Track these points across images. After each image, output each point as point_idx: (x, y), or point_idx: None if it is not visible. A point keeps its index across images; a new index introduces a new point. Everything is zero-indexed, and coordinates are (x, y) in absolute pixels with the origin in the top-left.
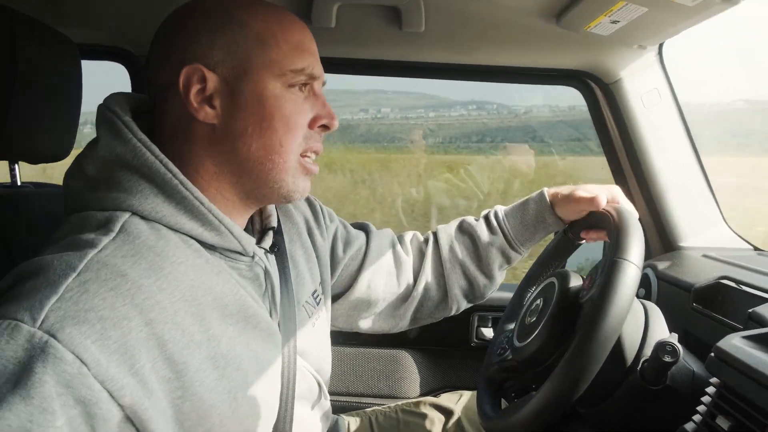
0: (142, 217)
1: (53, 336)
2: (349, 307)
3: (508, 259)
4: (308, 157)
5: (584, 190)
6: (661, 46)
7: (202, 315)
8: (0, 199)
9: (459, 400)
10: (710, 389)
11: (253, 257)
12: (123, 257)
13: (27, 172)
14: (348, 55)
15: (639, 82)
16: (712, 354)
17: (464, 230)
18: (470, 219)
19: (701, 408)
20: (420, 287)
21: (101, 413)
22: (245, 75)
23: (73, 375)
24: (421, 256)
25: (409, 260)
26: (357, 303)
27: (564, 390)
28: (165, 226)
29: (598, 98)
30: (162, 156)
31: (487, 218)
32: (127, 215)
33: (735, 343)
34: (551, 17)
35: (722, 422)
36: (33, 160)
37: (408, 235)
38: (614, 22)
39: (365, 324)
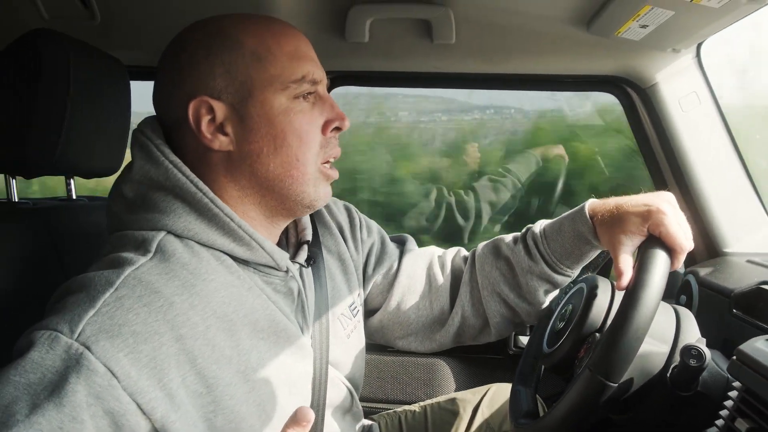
0: (177, 235)
1: (88, 348)
2: (380, 325)
3: (554, 284)
4: (327, 163)
5: (622, 242)
6: (699, 48)
7: (232, 330)
8: (56, 212)
9: (486, 393)
10: (733, 393)
11: (287, 272)
12: (158, 275)
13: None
14: (382, 68)
15: (676, 85)
16: (734, 357)
17: (501, 254)
18: (508, 240)
19: (724, 412)
20: (457, 315)
21: (129, 424)
22: (250, 96)
23: (103, 387)
24: (459, 279)
25: (445, 283)
26: (389, 322)
27: (590, 394)
28: (198, 242)
29: (635, 103)
30: (192, 176)
31: (525, 241)
32: (162, 234)
33: (758, 346)
34: (581, 24)
35: (741, 425)
36: (86, 175)
37: (450, 253)
38: (643, 26)
39: (402, 343)
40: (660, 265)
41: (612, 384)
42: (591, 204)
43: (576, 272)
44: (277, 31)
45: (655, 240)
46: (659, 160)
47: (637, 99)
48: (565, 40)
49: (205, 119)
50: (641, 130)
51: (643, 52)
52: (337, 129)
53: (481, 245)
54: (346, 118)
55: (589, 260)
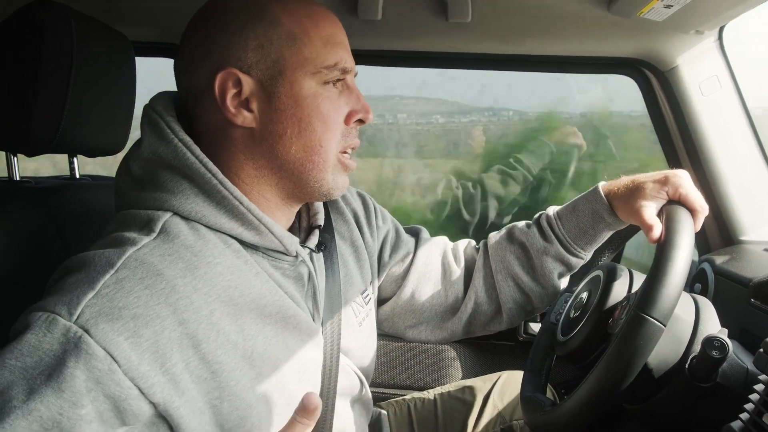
0: (183, 217)
1: (87, 331)
2: (393, 313)
3: (568, 266)
4: (346, 153)
5: (644, 205)
6: (721, 31)
7: (237, 315)
8: (59, 191)
9: (497, 381)
10: (759, 386)
11: (296, 257)
12: (161, 256)
13: None
14: (395, 48)
15: (697, 69)
16: (761, 349)
17: (515, 239)
18: (521, 225)
19: (749, 406)
20: (470, 301)
21: (131, 409)
22: (280, 76)
23: (103, 371)
24: (472, 267)
25: (459, 271)
26: (401, 310)
27: (640, 337)
28: (205, 225)
29: (653, 87)
30: (202, 156)
31: (539, 224)
32: (168, 215)
33: None
34: (602, 3)
35: None
36: (90, 154)
37: (462, 244)
38: (668, 6)
39: (412, 333)
40: (687, 218)
41: (661, 325)
42: (604, 185)
43: (589, 255)
44: (315, 14)
45: (675, 203)
46: (676, 145)
47: (656, 82)
48: (584, 21)
49: (231, 92)
50: (659, 114)
51: (664, 33)
52: (360, 121)
53: (492, 234)
54: (371, 112)
55: (602, 242)
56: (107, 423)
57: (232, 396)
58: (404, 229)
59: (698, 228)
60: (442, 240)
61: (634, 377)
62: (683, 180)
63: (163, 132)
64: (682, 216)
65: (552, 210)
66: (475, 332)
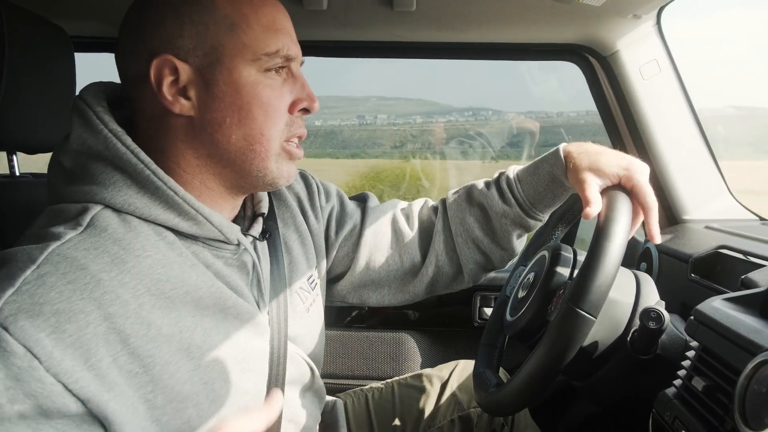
0: (115, 210)
1: (6, 329)
2: (353, 285)
3: (526, 228)
4: (292, 142)
5: (593, 180)
6: (659, 15)
7: (170, 308)
8: None
9: (454, 369)
10: (690, 352)
11: (238, 245)
12: (85, 250)
13: None
14: (341, 38)
15: (637, 53)
16: (692, 317)
17: (474, 201)
18: (480, 185)
19: (681, 372)
20: (431, 264)
21: (55, 406)
22: (218, 63)
23: (23, 369)
24: (430, 229)
25: (413, 235)
26: (360, 281)
27: (571, 330)
28: (138, 217)
29: (596, 71)
30: (134, 146)
31: (498, 185)
32: (98, 208)
33: (714, 305)
34: None
35: (698, 383)
36: (30, 151)
37: (417, 205)
38: None
39: (375, 299)
40: (627, 209)
41: (592, 317)
42: (565, 146)
43: (545, 217)
44: (256, 0)
45: (621, 188)
46: (620, 129)
47: (599, 67)
48: (525, 8)
49: (168, 80)
50: (602, 98)
51: (603, 18)
52: (305, 110)
53: (450, 193)
54: (316, 101)
55: (558, 205)
56: (30, 420)
57: (166, 389)
58: (351, 198)
59: (651, 222)
60: (391, 204)
61: (568, 362)
62: (643, 176)
63: (91, 122)
64: (622, 205)
65: (512, 171)
66: (437, 291)
